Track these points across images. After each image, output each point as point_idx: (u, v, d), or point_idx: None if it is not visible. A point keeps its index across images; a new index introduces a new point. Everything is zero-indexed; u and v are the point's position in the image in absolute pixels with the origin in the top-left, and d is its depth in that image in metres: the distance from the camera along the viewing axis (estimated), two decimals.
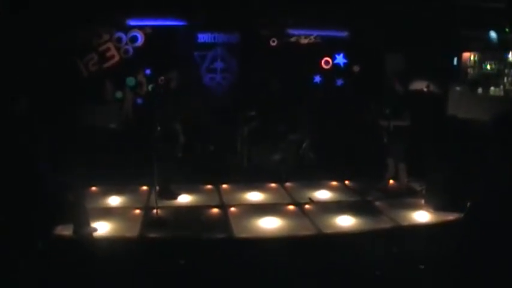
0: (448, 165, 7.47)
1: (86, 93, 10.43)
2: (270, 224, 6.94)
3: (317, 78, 11.81)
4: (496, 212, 3.03)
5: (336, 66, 11.90)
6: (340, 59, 11.88)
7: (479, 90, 10.57)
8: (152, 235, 6.52)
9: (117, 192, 8.14)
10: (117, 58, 10.88)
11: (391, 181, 8.64)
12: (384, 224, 7.08)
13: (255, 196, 8.33)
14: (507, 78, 10.15)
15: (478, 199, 3.45)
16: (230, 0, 10.28)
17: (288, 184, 8.99)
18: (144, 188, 8.44)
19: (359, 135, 9.61)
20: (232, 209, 7.61)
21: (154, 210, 7.05)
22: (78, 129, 9.68)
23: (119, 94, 10.88)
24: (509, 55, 10.07)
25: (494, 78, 10.45)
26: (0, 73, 8.84)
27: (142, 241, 6.38)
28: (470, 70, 11.02)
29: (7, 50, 9.05)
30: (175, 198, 8.00)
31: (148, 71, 10.99)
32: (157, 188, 7.42)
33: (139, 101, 11.03)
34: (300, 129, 9.99)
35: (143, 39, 10.93)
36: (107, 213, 7.27)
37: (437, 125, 9.68)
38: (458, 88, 10.73)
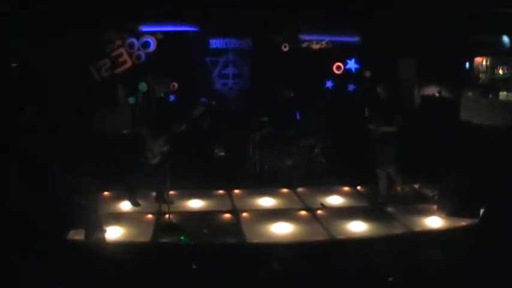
0: (461, 171, 7.42)
1: (98, 98, 10.50)
2: (282, 230, 6.95)
3: (328, 84, 11.81)
4: (510, 216, 3.02)
5: (347, 71, 11.89)
6: (351, 64, 11.86)
7: (491, 95, 10.50)
8: (164, 240, 6.56)
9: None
10: (129, 63, 10.94)
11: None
12: (397, 229, 7.05)
13: (267, 201, 8.34)
14: None
15: (491, 204, 3.44)
16: (242, 6, 10.29)
17: (299, 189, 9.00)
18: None
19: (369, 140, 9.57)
20: (244, 214, 7.63)
21: (167, 215, 7.08)
22: (91, 134, 9.75)
23: (131, 99, 10.92)
24: None
25: (506, 83, 10.37)
26: (11, 81, 8.95)
27: (155, 246, 6.42)
28: (482, 75, 10.94)
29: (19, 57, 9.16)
30: (137, 206, 7.99)
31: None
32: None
33: None
34: (312, 134, 9.96)
35: (155, 45, 10.98)
36: (119, 218, 7.33)
37: (449, 130, 9.62)
38: (470, 93, 10.67)
